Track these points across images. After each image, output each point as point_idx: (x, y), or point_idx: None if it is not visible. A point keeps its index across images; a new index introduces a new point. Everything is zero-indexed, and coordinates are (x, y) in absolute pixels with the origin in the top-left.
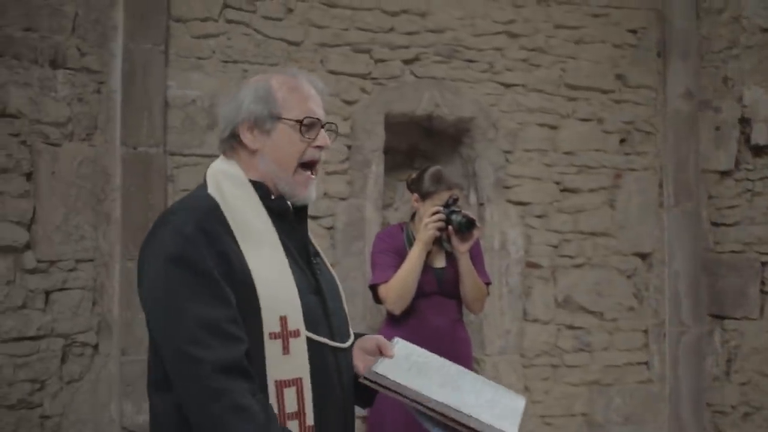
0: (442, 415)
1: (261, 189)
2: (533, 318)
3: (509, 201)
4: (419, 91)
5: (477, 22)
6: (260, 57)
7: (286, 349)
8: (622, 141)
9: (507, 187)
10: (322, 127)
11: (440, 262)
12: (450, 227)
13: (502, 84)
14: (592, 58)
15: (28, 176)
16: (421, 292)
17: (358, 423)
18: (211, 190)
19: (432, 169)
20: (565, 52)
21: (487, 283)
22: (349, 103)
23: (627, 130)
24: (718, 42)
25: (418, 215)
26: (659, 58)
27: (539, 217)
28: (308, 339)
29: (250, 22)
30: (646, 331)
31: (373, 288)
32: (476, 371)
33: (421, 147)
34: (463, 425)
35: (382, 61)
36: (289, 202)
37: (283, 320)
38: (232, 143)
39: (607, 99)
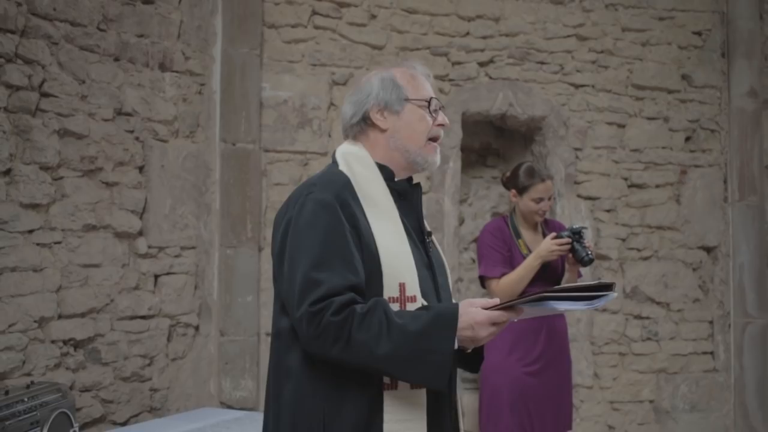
0: (561, 291)
1: (385, 170)
2: (602, 308)
3: (579, 196)
4: (494, 91)
5: (548, 26)
6: (346, 60)
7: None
8: (688, 139)
9: (577, 183)
10: (442, 108)
11: None
12: (570, 255)
13: (572, 84)
14: (658, 59)
15: (141, 169)
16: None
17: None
18: (342, 167)
19: (525, 165)
20: (632, 53)
21: (579, 277)
22: None
23: (692, 128)
24: None
25: (518, 209)
26: (723, 58)
27: (608, 211)
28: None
29: (337, 28)
30: (711, 322)
31: (482, 279)
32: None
33: (493, 146)
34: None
35: (459, 63)
36: (406, 183)
37: (402, 286)
38: (362, 126)
39: (672, 98)
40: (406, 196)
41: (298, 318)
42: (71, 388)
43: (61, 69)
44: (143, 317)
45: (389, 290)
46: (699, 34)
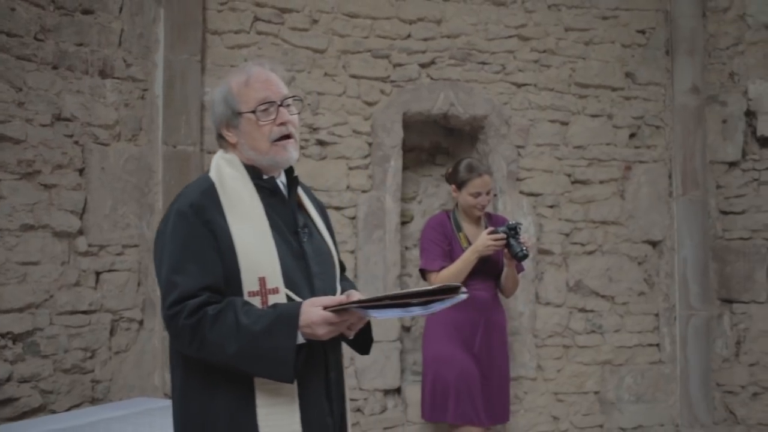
0: (386, 298)
1: (252, 171)
2: (545, 301)
3: (521, 192)
4: (435, 92)
5: (490, 27)
6: (288, 64)
7: (264, 305)
8: (632, 135)
9: (519, 179)
10: (281, 105)
11: None
12: (506, 250)
13: (514, 84)
14: (602, 58)
15: (81, 171)
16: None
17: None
18: (212, 173)
19: (465, 161)
20: (575, 52)
21: (521, 271)
22: (369, 104)
23: (637, 125)
24: (724, 39)
25: (459, 203)
26: (667, 56)
27: (551, 207)
28: (287, 296)
29: (279, 33)
30: (657, 315)
31: (422, 272)
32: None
33: (443, 144)
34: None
35: (400, 65)
36: (279, 182)
37: (262, 280)
38: (222, 141)
39: (616, 96)
40: (276, 192)
41: (162, 319)
42: (8, 379)
43: None
44: (84, 312)
45: (249, 285)
46: (643, 32)
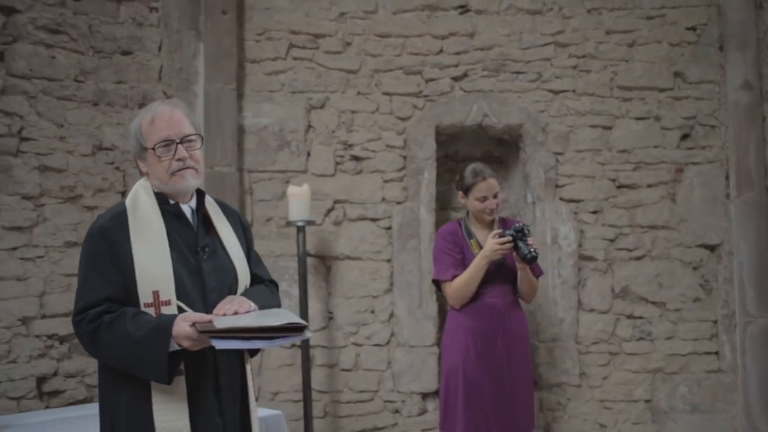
0: (234, 330)
1: (160, 197)
2: (589, 308)
3: (561, 199)
4: (467, 103)
5: (524, 36)
6: (321, 86)
7: (158, 315)
8: (685, 137)
9: (558, 186)
10: (180, 143)
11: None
12: (515, 253)
13: (551, 91)
14: (647, 58)
15: (123, 194)
16: (483, 278)
17: None
18: (128, 200)
19: (470, 166)
20: (617, 55)
21: (540, 274)
22: (402, 119)
23: (689, 125)
24: None
25: (469, 209)
26: (721, 52)
27: (593, 212)
28: (179, 308)
29: (313, 57)
30: (715, 322)
31: (435, 282)
32: (532, 352)
33: (495, 154)
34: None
35: (433, 80)
36: (188, 206)
37: (156, 293)
38: (139, 169)
39: (664, 97)
40: (180, 216)
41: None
42: (55, 374)
43: (39, 117)
44: None
45: (144, 297)
46: (693, 29)
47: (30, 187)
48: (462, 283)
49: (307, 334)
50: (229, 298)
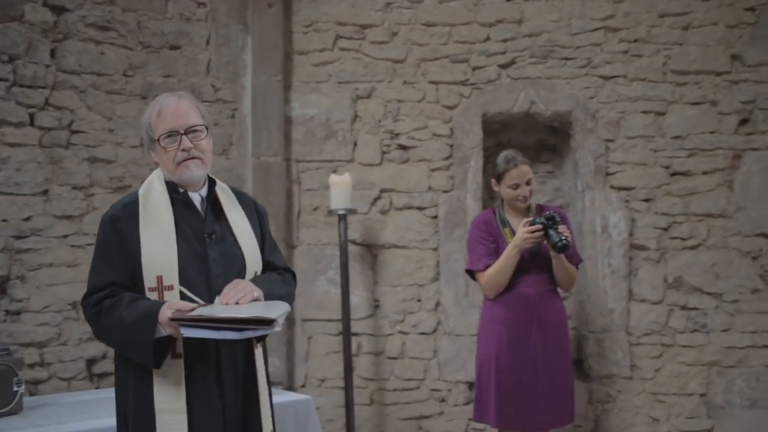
0: (204, 320)
1: (171, 185)
2: (640, 298)
3: (612, 187)
4: (514, 91)
5: (573, 21)
6: (368, 76)
7: (161, 299)
8: (744, 122)
9: (609, 174)
10: (184, 134)
11: None
12: (546, 241)
13: (601, 77)
14: (702, 41)
15: None
16: (517, 268)
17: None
18: (141, 188)
19: (502, 153)
20: (671, 39)
21: (579, 262)
22: (449, 107)
23: (748, 110)
24: None
25: (503, 197)
26: None
27: (645, 200)
28: (181, 293)
29: (360, 48)
30: None
31: (469, 272)
32: (582, 343)
33: (549, 141)
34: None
35: (479, 67)
36: (198, 194)
37: (160, 278)
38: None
39: (721, 81)
40: (189, 204)
41: None
42: (104, 357)
43: (89, 111)
44: None
45: (149, 282)
46: (752, 9)
47: (80, 178)
48: (494, 273)
49: (276, 328)
50: (236, 282)
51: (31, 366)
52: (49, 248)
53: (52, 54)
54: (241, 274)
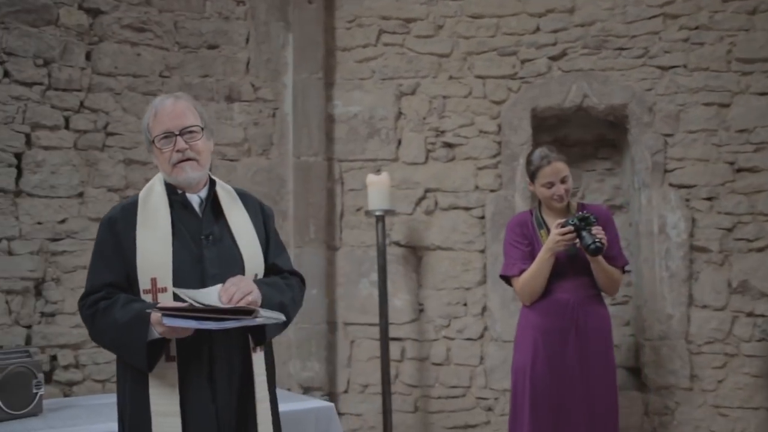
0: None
1: (170, 187)
2: (701, 304)
3: (671, 184)
4: (565, 84)
5: (628, 9)
6: (412, 71)
7: (155, 301)
8: None
9: (668, 171)
10: (179, 134)
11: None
12: (578, 242)
13: (659, 67)
14: None
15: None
16: (554, 272)
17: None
18: (143, 191)
19: (537, 149)
20: (736, 24)
21: (624, 265)
22: (496, 102)
23: None
24: None
25: (539, 197)
26: None
27: (707, 199)
28: (174, 294)
29: (404, 42)
30: None
31: (504, 277)
32: (632, 352)
33: (608, 137)
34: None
35: (528, 60)
36: (197, 196)
37: (154, 280)
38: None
39: None
40: (187, 205)
41: None
42: None
43: (124, 112)
44: None
45: (143, 284)
46: None
47: (115, 180)
48: (528, 278)
49: (257, 319)
50: (239, 277)
51: (66, 368)
52: (84, 250)
53: (88, 57)
54: (235, 274)
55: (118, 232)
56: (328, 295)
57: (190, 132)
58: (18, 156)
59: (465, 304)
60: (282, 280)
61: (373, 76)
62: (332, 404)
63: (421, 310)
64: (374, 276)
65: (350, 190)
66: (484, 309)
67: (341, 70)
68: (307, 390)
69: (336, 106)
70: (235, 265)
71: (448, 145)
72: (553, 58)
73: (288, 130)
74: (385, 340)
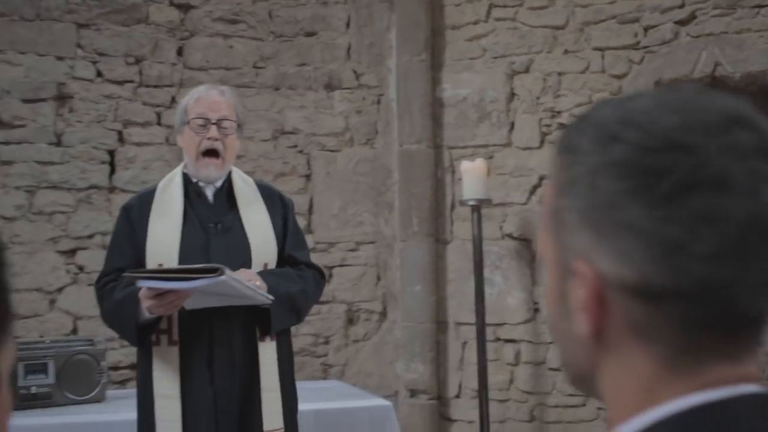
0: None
1: (186, 177)
2: None
3: None
4: (693, 52)
5: None
6: (524, 47)
7: None
8: None
9: None
10: (214, 123)
11: None
12: None
13: None
14: None
15: (308, 177)
16: None
17: None
18: (163, 180)
19: None
20: None
21: None
22: (616, 77)
23: None
24: None
25: None
26: None
27: None
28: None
29: (515, 16)
30: None
31: None
32: None
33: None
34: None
35: (652, 27)
36: (212, 186)
37: (161, 266)
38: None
39: None
40: (201, 194)
41: None
42: None
43: None
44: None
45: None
46: None
47: None
48: None
49: (222, 277)
50: (240, 270)
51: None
52: None
53: (179, 52)
54: (245, 265)
55: (133, 219)
56: (436, 293)
57: (225, 126)
58: (111, 153)
59: None
60: (294, 271)
61: (483, 54)
62: (390, 404)
63: (537, 310)
64: (487, 272)
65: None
66: None
67: (450, 51)
68: (413, 393)
69: (445, 89)
70: (242, 255)
71: (565, 127)
72: (680, 23)
73: (393, 118)
74: (481, 341)
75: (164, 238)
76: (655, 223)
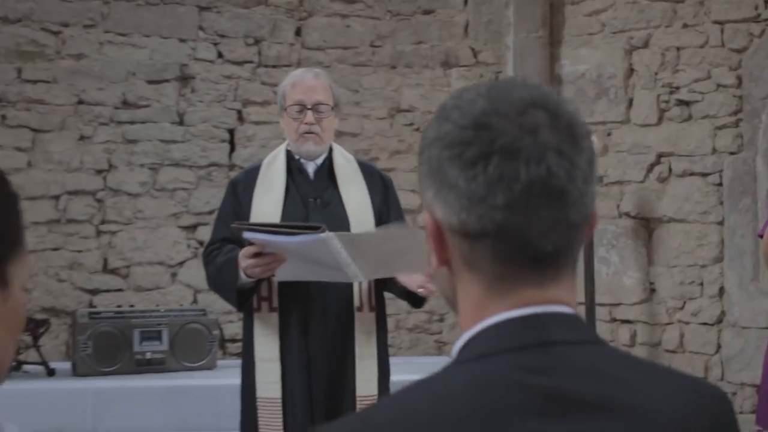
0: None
1: (289, 154)
2: None
3: None
4: None
5: None
6: (643, 22)
7: None
8: None
9: None
10: (310, 109)
11: None
12: None
13: None
14: None
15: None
16: None
17: None
18: (268, 157)
19: None
20: None
21: None
22: (737, 51)
23: None
24: None
25: None
26: None
27: None
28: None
29: None
30: None
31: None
32: None
33: None
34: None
35: None
36: (314, 163)
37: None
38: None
39: None
40: (303, 171)
41: None
42: None
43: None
44: None
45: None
46: None
47: None
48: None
49: (322, 235)
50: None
51: None
52: None
53: (297, 32)
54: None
55: (238, 193)
56: None
57: (321, 109)
58: (230, 131)
59: (701, 284)
60: None
61: (603, 30)
62: None
63: (653, 290)
64: (602, 251)
65: None
66: (722, 290)
67: (569, 26)
68: None
69: (564, 65)
70: (340, 228)
71: (683, 103)
72: None
73: None
74: (590, 321)
75: (266, 211)
76: (466, 181)
